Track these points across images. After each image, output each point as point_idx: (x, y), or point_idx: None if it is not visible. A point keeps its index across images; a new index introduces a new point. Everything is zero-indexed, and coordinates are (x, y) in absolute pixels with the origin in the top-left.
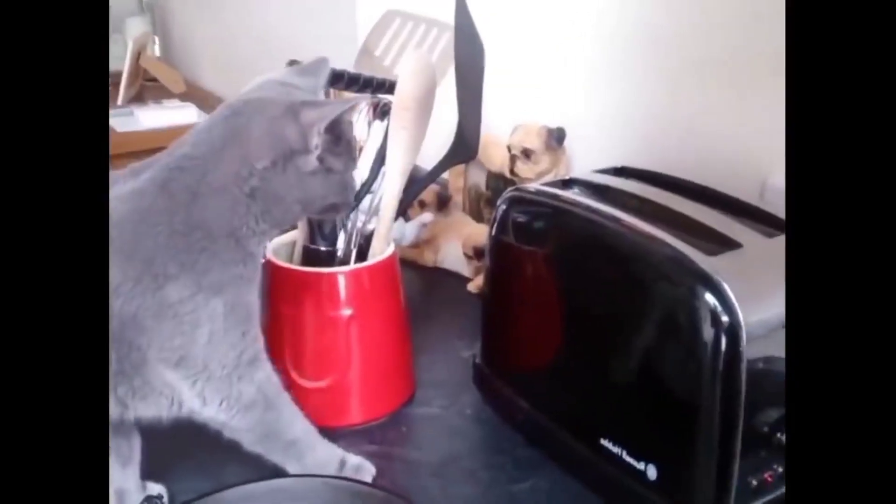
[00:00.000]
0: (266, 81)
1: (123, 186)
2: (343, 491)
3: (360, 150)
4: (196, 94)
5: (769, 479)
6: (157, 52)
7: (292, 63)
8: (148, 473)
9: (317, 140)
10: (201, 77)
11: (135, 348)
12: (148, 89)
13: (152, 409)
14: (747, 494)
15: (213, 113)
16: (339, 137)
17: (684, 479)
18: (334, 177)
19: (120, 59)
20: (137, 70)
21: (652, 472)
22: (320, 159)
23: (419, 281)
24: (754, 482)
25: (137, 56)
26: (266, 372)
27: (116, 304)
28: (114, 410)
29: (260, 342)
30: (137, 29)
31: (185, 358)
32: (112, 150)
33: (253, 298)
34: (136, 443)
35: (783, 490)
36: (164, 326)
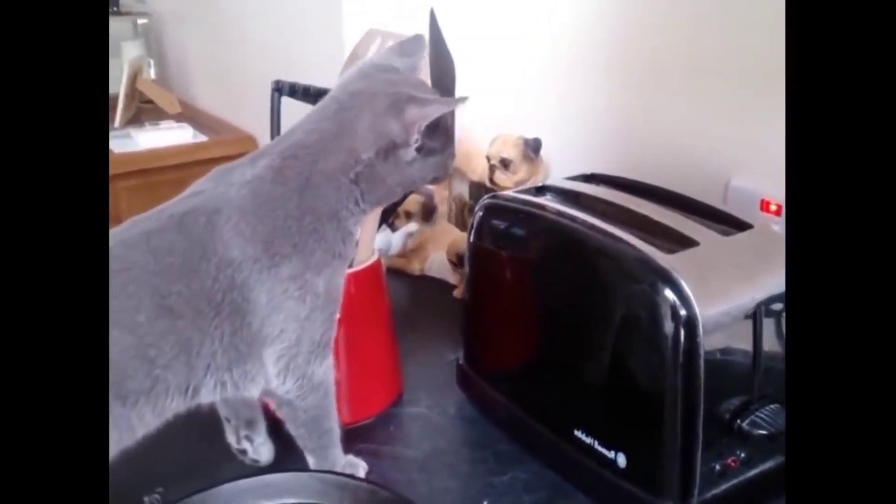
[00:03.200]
0: (368, 66)
1: (243, 173)
2: (331, 485)
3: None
4: (191, 115)
5: (732, 464)
6: (153, 74)
7: (277, 83)
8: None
9: (417, 136)
10: (196, 98)
11: (246, 324)
12: (144, 111)
13: (254, 390)
14: (712, 479)
15: (320, 105)
16: (436, 125)
17: (651, 466)
18: (432, 159)
19: (116, 83)
20: (134, 93)
21: (622, 461)
22: (419, 149)
23: (407, 289)
24: (718, 467)
25: (133, 79)
26: (331, 358)
27: (239, 278)
28: (227, 392)
29: (335, 328)
30: (133, 52)
31: (284, 332)
32: (111, 171)
33: (342, 281)
34: None
35: (747, 474)
36: (273, 301)
